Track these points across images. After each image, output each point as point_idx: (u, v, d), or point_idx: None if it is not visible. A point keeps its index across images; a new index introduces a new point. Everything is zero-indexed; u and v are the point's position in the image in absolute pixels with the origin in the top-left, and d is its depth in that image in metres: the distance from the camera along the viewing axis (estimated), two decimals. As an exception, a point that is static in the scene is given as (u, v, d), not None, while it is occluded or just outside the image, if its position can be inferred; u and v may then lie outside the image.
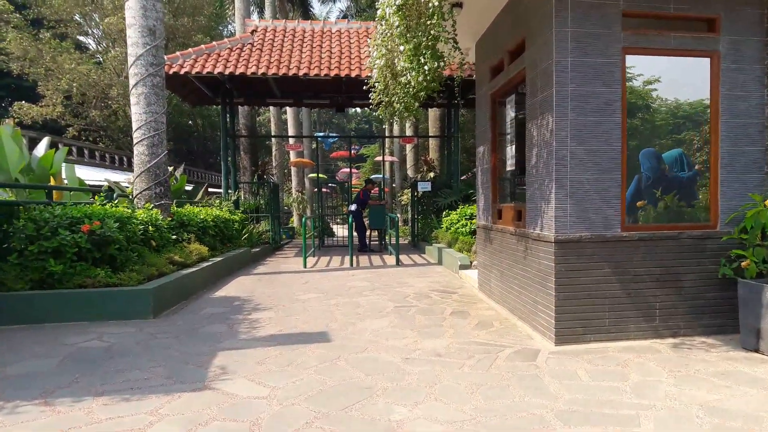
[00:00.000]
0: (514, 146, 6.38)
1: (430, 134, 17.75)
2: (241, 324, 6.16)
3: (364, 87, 8.71)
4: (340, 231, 23.64)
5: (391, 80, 7.06)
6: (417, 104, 6.86)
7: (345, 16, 34.80)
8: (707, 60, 5.19)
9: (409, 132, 21.95)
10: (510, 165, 6.49)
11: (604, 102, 5.00)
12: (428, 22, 5.05)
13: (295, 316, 6.48)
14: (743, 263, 4.98)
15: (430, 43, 5.09)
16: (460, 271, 9.44)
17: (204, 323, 6.23)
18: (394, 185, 29.28)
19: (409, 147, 21.38)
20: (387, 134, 27.10)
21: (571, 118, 4.96)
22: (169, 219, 9.86)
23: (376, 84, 7.91)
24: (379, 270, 10.64)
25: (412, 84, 5.51)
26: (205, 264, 9.18)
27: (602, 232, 5.04)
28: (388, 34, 6.51)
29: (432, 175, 17.05)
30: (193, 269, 8.50)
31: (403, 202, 20.74)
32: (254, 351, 5.03)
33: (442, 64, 5.33)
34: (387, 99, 7.74)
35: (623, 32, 5.01)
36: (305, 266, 11.27)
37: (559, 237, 4.97)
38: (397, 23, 5.44)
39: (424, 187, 15.12)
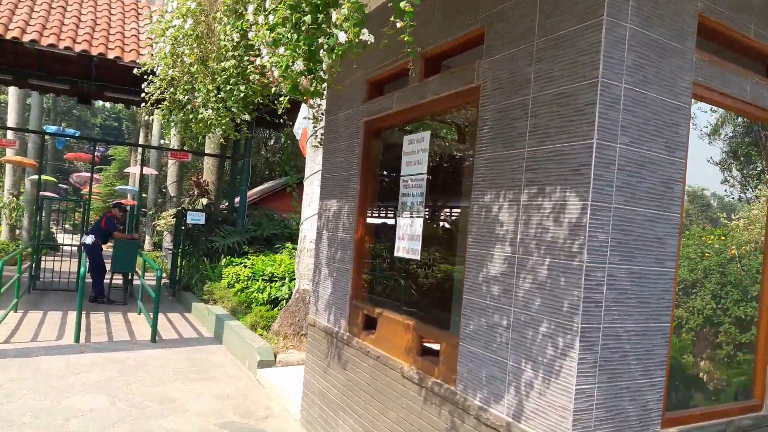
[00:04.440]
0: (419, 220, 3.63)
1: (207, 152, 14.08)
2: None
3: (135, 71, 5.23)
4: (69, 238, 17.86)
5: (200, 68, 3.82)
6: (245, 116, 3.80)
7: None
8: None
9: (175, 142, 17.77)
10: (408, 250, 3.71)
11: (663, 181, 2.57)
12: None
13: None
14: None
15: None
16: (259, 371, 6.29)
17: None
18: (145, 195, 24.34)
19: (171, 160, 17.23)
20: (143, 141, 22.35)
21: (616, 205, 2.42)
22: None
23: (157, 69, 4.58)
24: (123, 356, 6.86)
25: (279, 81, 2.42)
26: None
27: (638, 433, 2.56)
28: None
29: (205, 201, 13.44)
30: None
31: (159, 227, 16.49)
32: None
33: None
34: (179, 97, 4.44)
35: (695, 54, 2.67)
36: (-5, 340, 6.94)
37: (577, 454, 2.34)
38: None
39: (195, 219, 11.53)
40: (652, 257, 2.54)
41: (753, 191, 3.97)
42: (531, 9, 2.74)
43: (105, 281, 10.70)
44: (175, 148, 15.66)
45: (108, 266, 10.67)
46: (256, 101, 3.66)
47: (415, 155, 3.72)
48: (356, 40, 2.07)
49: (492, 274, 2.84)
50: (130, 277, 11.20)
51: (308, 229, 7.68)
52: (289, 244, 10.64)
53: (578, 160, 2.40)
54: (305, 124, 8.71)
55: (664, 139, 2.55)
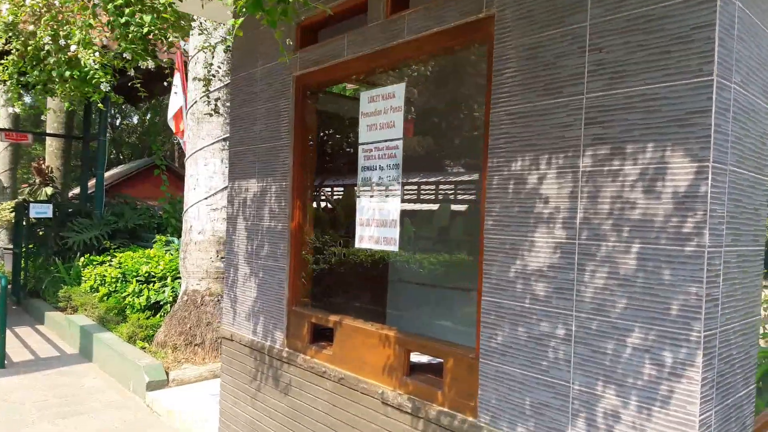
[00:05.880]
0: (394, 200, 2.81)
1: (50, 132, 11.86)
2: None
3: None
4: None
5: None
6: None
7: None
8: None
9: (4, 123, 14.92)
10: (378, 240, 2.87)
11: (761, 135, 2.00)
12: None
13: None
14: None
15: None
16: (149, 395, 5.10)
17: None
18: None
19: (3, 144, 14.42)
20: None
21: (731, 167, 1.79)
22: None
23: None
24: (-40, 391, 5.29)
25: None
26: None
27: (740, 462, 2.00)
28: None
29: (50, 191, 11.35)
30: None
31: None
32: None
33: None
34: (41, 43, 3.18)
35: (780, -25, 2.12)
36: None
37: None
38: None
39: (40, 212, 9.63)
40: (750, 234, 1.96)
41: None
42: None
43: None
44: (9, 128, 13.07)
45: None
46: (168, 39, 2.57)
47: (383, 116, 2.87)
48: None
49: (533, 267, 2.11)
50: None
51: (194, 218, 6.48)
52: (160, 236, 9.20)
53: (683, 107, 1.73)
54: (178, 98, 7.47)
55: (762, 80, 1.97)
